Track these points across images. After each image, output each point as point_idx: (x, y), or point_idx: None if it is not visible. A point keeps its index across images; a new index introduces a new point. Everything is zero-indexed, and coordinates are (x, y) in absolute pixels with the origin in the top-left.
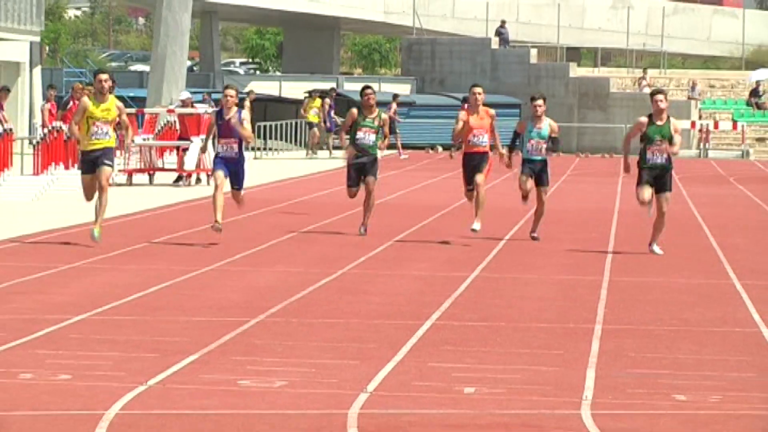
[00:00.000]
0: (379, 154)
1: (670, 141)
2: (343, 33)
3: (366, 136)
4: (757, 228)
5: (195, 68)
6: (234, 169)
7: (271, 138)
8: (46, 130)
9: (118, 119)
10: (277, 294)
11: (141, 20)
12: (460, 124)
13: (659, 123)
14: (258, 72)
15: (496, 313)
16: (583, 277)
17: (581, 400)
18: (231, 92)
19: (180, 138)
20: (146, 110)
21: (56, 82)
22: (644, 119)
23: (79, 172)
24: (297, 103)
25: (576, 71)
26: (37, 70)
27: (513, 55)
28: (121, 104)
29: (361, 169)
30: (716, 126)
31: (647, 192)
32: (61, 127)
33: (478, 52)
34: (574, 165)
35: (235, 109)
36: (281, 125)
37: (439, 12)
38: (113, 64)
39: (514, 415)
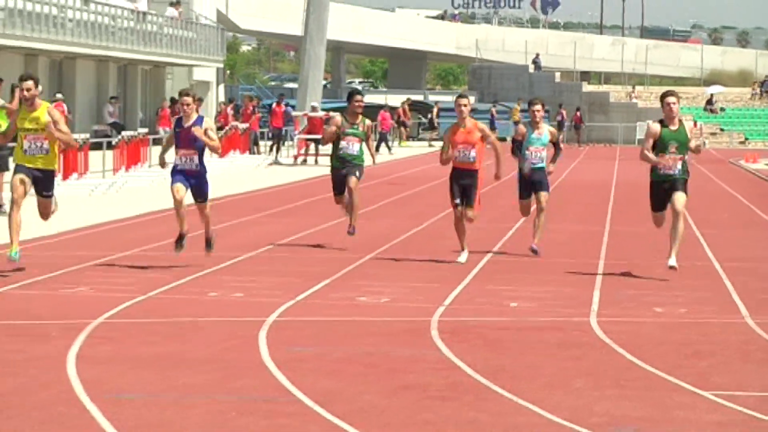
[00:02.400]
0: (368, 159)
1: (690, 147)
2: (428, 61)
3: (350, 146)
4: (710, 193)
5: (327, 86)
6: (196, 183)
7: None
8: (225, 129)
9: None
10: (383, 238)
11: (292, 53)
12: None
13: (673, 128)
14: (371, 87)
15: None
16: (591, 228)
17: (590, 311)
18: (187, 99)
19: (308, 132)
20: (294, 113)
21: (233, 96)
22: (656, 126)
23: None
24: (396, 109)
25: (587, 87)
26: (221, 87)
27: (543, 77)
28: (56, 113)
29: (345, 177)
30: None
31: (660, 220)
32: (237, 126)
33: (519, 75)
34: (585, 152)
35: (195, 116)
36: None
37: (493, 47)
38: (272, 83)
39: (544, 321)
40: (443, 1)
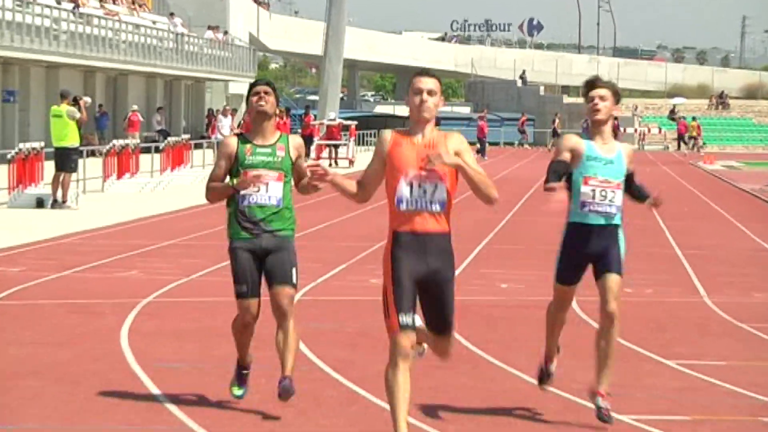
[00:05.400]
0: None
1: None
2: None
3: (261, 191)
4: (670, 187)
5: (344, 98)
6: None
7: None
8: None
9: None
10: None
11: (313, 70)
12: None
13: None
14: (381, 99)
15: (520, 241)
16: None
17: None
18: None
19: (327, 139)
20: (313, 122)
21: None
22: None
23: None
24: (403, 118)
25: (567, 99)
26: None
27: (530, 90)
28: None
29: (261, 263)
30: (650, 131)
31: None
32: None
33: (509, 89)
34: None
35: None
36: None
37: (486, 65)
38: (297, 95)
39: (530, 300)
40: (443, 25)
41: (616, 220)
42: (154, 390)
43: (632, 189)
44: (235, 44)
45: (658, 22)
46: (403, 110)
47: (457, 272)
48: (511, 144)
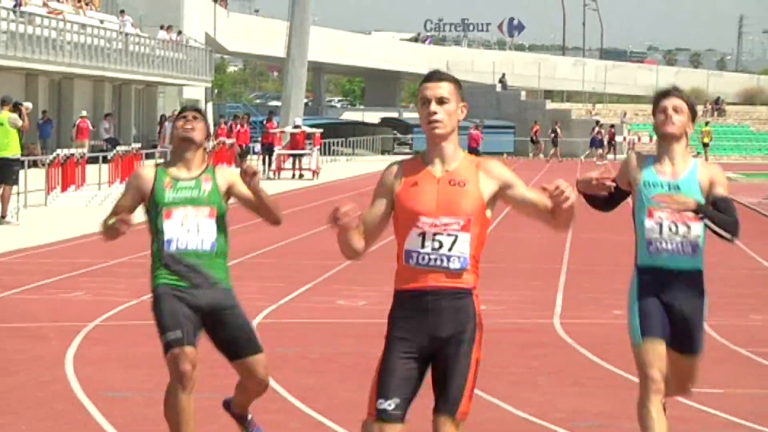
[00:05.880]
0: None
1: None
2: (403, 81)
3: (192, 232)
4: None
5: (309, 104)
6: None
7: (357, 147)
8: (214, 142)
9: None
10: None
11: (275, 73)
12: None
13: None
14: (349, 105)
15: (500, 258)
16: (554, 235)
17: (553, 314)
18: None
19: (292, 148)
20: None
21: (222, 112)
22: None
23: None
24: (373, 125)
25: (550, 105)
26: (209, 105)
27: (510, 95)
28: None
29: (203, 318)
30: (639, 139)
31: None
32: (224, 141)
33: (488, 93)
34: (549, 165)
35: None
36: (365, 139)
37: (462, 68)
38: (257, 101)
39: (511, 323)
40: (416, 24)
41: (697, 264)
42: (102, 421)
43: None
44: (189, 45)
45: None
46: (372, 116)
47: None
48: (500, 154)
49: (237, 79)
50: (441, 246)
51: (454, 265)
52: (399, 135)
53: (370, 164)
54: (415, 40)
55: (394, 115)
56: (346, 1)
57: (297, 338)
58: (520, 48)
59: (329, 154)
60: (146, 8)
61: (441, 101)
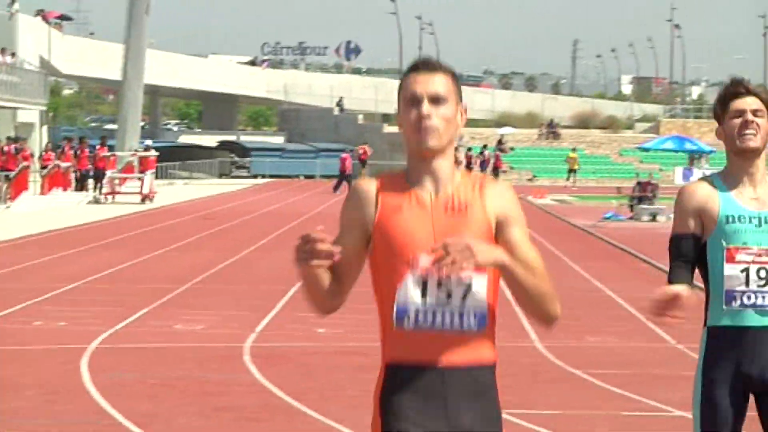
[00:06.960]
0: None
1: None
2: (240, 104)
3: None
4: None
5: (145, 126)
6: None
7: (194, 171)
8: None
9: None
10: (199, 270)
11: (111, 96)
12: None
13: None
14: (186, 128)
15: None
16: None
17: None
18: None
19: (141, 172)
20: (117, 153)
21: (55, 136)
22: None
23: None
24: (210, 149)
25: (387, 128)
26: (44, 128)
27: (348, 118)
28: None
29: None
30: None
31: None
32: (58, 165)
33: (325, 117)
34: None
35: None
36: (202, 163)
37: (300, 91)
38: (93, 124)
39: (347, 346)
40: (253, 48)
41: None
42: None
43: None
44: (23, 68)
45: (484, 46)
46: (209, 139)
47: (270, 315)
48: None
49: (72, 103)
50: (450, 296)
51: (470, 324)
52: (237, 158)
53: (208, 188)
54: (253, 63)
55: (232, 138)
56: (183, 24)
57: (134, 363)
58: (357, 71)
59: (166, 177)
60: None
61: (435, 100)
